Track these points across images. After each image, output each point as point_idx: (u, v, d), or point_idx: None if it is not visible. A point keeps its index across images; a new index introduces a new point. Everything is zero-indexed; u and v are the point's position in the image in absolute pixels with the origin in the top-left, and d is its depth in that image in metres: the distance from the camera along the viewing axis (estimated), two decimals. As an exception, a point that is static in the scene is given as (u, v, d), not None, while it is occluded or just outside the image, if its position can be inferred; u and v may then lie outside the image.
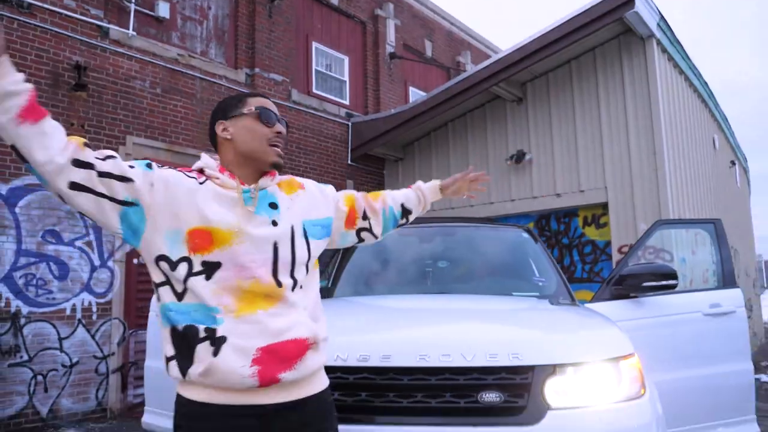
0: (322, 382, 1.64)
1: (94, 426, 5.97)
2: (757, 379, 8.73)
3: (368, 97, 10.64)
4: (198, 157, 1.68)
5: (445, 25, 12.80)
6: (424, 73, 12.30)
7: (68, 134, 1.44)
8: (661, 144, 7.39)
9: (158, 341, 4.09)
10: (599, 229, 8.05)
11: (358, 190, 9.21)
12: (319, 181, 1.84)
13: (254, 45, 8.47)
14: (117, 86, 6.74)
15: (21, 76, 1.36)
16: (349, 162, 9.78)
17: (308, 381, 1.59)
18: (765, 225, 61.19)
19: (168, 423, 4.08)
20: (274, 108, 1.69)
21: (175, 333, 1.51)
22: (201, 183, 1.56)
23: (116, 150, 6.61)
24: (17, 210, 5.81)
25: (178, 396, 1.55)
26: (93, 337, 6.27)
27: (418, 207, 2.12)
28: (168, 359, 1.53)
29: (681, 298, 3.50)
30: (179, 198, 1.51)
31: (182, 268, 1.49)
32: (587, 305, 3.27)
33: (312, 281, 1.68)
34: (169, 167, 1.60)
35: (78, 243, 6.23)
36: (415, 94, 11.68)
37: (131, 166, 1.49)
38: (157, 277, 1.54)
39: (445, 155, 9.54)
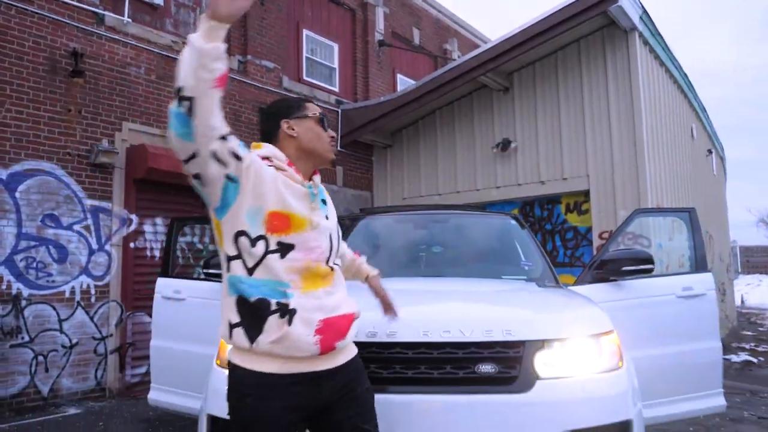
0: (354, 349, 1.92)
1: (93, 404, 6.16)
2: (727, 359, 9.15)
3: (357, 84, 10.79)
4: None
5: (433, 12, 12.94)
6: (411, 61, 12.46)
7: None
8: (641, 134, 7.68)
9: (163, 322, 4.26)
10: (581, 215, 8.35)
11: (348, 176, 9.46)
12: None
13: (246, 32, 8.58)
14: (113, 73, 6.83)
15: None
16: (339, 148, 9.94)
17: (346, 348, 1.85)
18: (740, 210, 62.38)
19: (174, 399, 4.29)
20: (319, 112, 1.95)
21: (242, 302, 1.69)
22: (276, 165, 1.78)
23: (112, 136, 6.74)
24: (17, 194, 5.93)
25: (240, 368, 1.71)
26: (92, 318, 6.44)
27: (345, 271, 2.24)
28: (233, 326, 1.70)
29: (657, 281, 3.75)
30: (265, 181, 1.69)
31: (260, 245, 1.68)
32: (570, 288, 3.52)
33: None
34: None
35: (76, 227, 6.36)
36: (403, 82, 11.85)
37: None
38: (231, 250, 1.71)
39: (433, 143, 9.76)
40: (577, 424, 2.22)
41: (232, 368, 1.74)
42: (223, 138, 1.58)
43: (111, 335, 6.60)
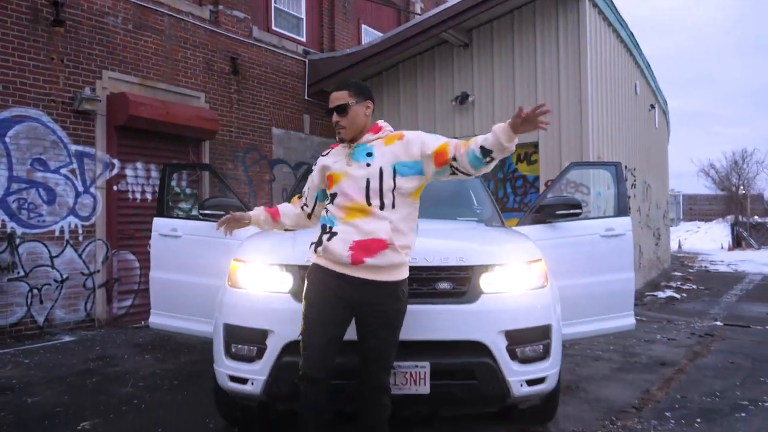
0: (396, 275, 2.60)
1: (85, 333, 6.74)
2: (654, 296, 10.29)
3: (324, 34, 11.14)
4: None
5: (397, -37, 13.20)
6: (375, 12, 12.80)
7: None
8: (586, 92, 8.42)
9: (161, 256, 4.85)
10: (530, 165, 9.14)
11: (314, 123, 10.10)
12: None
13: (217, -18, 8.81)
14: (92, 22, 7.10)
15: (261, 214, 3.09)
16: (306, 97, 10.39)
17: (386, 271, 2.55)
18: (686, 160, 64.69)
19: (171, 321, 4.94)
20: (334, 102, 2.70)
21: (321, 229, 2.63)
22: (332, 149, 2.81)
23: (93, 84, 7.07)
24: (7, 140, 6.28)
25: (312, 264, 2.64)
26: (80, 256, 6.94)
27: (496, 146, 2.44)
28: (313, 243, 2.64)
29: (584, 223, 4.48)
30: (318, 171, 2.82)
31: (328, 198, 2.70)
32: (513, 228, 4.24)
33: (403, 205, 2.59)
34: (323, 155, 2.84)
35: (63, 171, 6.77)
36: (367, 32, 12.22)
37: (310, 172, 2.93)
38: (326, 202, 2.74)
39: (396, 94, 10.30)
40: (510, 326, 2.96)
41: (311, 264, 2.67)
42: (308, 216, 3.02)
43: (98, 271, 7.12)
